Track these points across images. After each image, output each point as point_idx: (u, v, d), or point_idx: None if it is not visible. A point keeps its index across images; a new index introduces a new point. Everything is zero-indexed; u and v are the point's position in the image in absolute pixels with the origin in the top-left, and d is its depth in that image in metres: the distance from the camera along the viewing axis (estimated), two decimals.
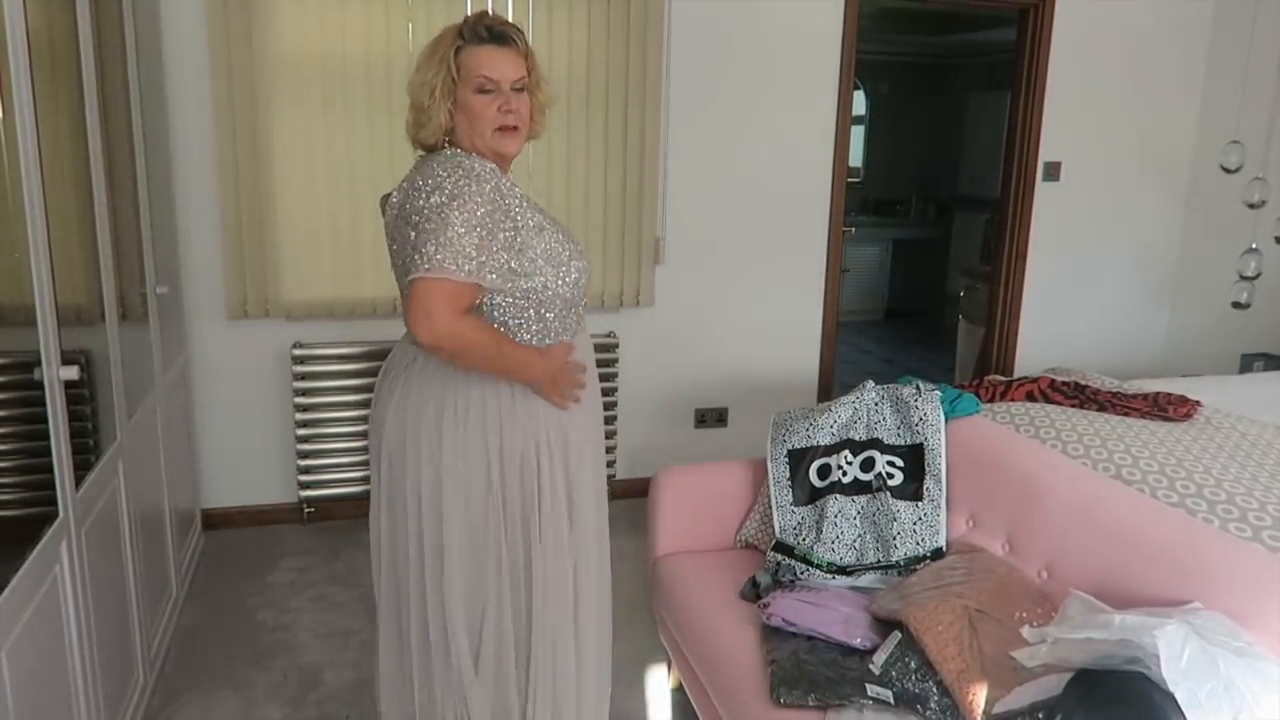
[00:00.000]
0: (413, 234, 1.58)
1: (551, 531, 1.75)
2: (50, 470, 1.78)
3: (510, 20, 1.71)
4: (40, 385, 1.73)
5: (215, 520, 3.45)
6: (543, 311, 1.69)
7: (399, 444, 1.71)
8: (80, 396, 1.97)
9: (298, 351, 3.31)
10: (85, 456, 2.00)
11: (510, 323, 1.68)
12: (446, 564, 1.70)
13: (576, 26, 3.38)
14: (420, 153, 1.75)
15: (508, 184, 1.64)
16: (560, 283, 1.69)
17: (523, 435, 1.70)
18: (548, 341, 1.72)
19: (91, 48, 2.12)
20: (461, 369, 1.66)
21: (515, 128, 1.67)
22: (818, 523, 2.22)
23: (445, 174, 1.58)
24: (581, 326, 1.82)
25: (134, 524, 2.31)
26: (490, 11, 1.68)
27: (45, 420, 1.74)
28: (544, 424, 1.72)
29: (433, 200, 1.55)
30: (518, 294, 1.65)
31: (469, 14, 1.68)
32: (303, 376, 3.32)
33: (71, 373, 1.77)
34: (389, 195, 1.74)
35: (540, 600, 1.76)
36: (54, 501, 1.79)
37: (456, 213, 1.53)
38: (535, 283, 1.65)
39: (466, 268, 1.53)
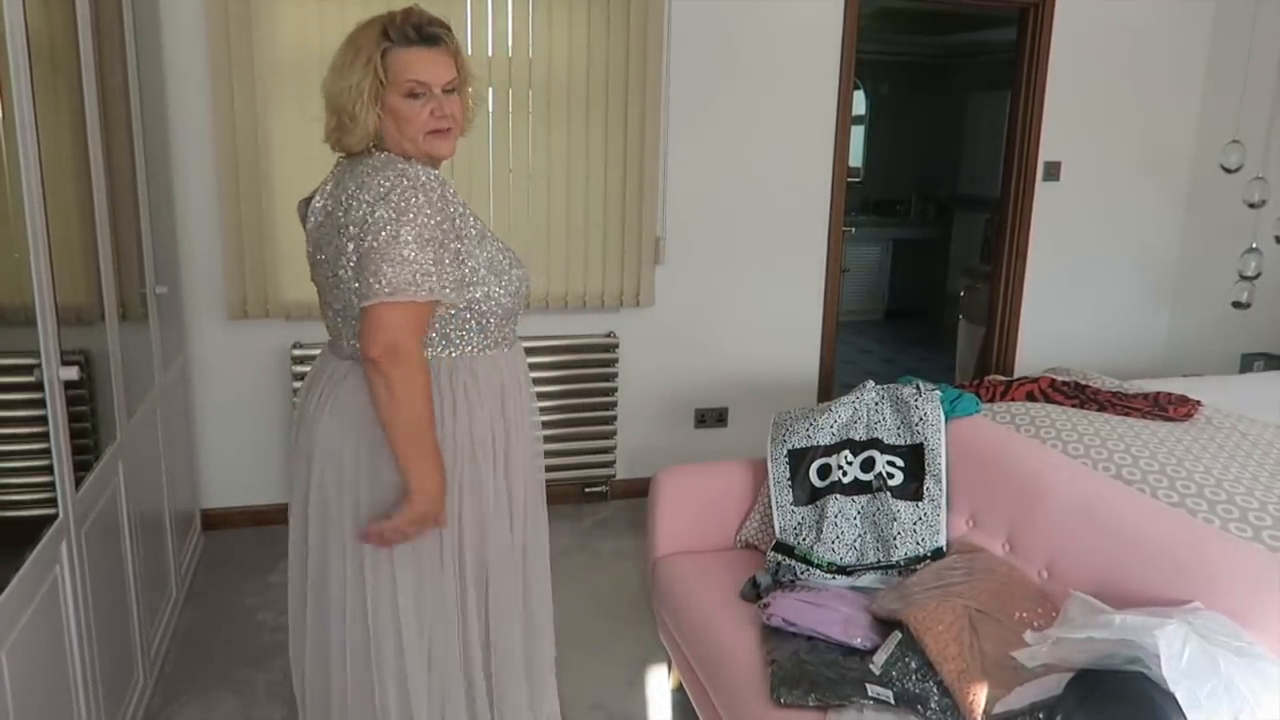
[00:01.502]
0: (351, 246, 1.52)
1: (495, 535, 1.72)
2: (50, 470, 1.78)
3: (442, 19, 1.62)
4: (40, 385, 1.73)
5: (215, 520, 3.45)
6: (484, 321, 1.65)
7: (334, 458, 1.64)
8: (80, 397, 1.97)
9: (297, 351, 3.30)
10: (85, 457, 2.00)
11: (451, 334, 1.63)
12: (398, 579, 1.64)
13: (576, 26, 3.38)
14: (340, 155, 1.66)
15: (451, 191, 1.58)
16: (502, 292, 1.65)
17: (466, 441, 1.65)
18: (489, 351, 1.68)
19: (91, 47, 2.12)
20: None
21: (448, 130, 1.61)
22: (818, 523, 2.22)
23: (388, 184, 1.50)
24: (515, 338, 1.77)
25: (134, 524, 2.31)
26: (416, 7, 1.59)
27: (45, 420, 1.74)
28: (485, 430, 1.67)
29: (377, 214, 1.48)
30: (459, 304, 1.60)
31: (395, 11, 1.58)
32: (302, 377, 3.31)
33: (71, 373, 1.77)
34: (309, 200, 1.68)
35: (492, 602, 1.73)
36: (54, 502, 1.79)
37: (408, 229, 1.47)
38: (478, 293, 1.61)
39: (427, 285, 1.49)
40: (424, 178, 1.53)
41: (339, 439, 1.64)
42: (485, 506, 1.70)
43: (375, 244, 1.47)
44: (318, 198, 1.65)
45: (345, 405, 1.63)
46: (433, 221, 1.51)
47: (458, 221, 1.57)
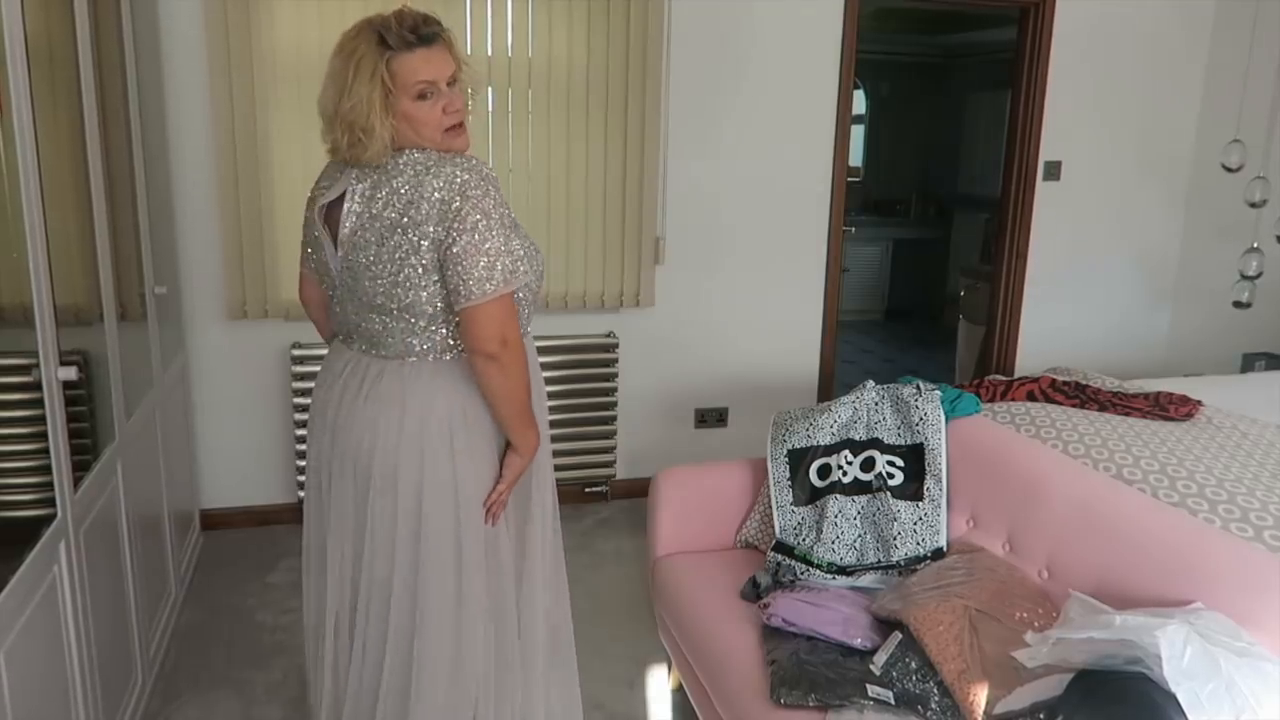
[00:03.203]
0: (425, 244, 1.54)
1: (526, 530, 1.77)
2: (48, 471, 1.78)
3: (431, 14, 1.61)
4: (38, 385, 1.73)
5: (214, 520, 3.44)
6: (521, 308, 1.69)
7: (391, 455, 1.64)
8: (79, 397, 1.97)
9: (297, 352, 3.30)
10: (83, 457, 1.99)
11: None
12: (464, 578, 1.66)
13: (576, 26, 3.38)
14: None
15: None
16: (534, 279, 1.69)
17: (496, 434, 1.70)
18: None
19: (89, 48, 2.12)
20: (463, 380, 1.64)
21: (461, 124, 1.62)
22: (818, 523, 2.21)
23: (460, 178, 1.53)
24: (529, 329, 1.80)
25: (132, 524, 2.31)
26: (405, 8, 1.59)
27: (43, 421, 1.74)
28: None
29: (462, 211, 1.51)
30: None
31: (384, 16, 1.56)
32: (302, 377, 3.31)
33: (70, 373, 1.77)
34: (330, 201, 1.65)
35: (522, 596, 1.77)
36: (52, 502, 1.79)
37: (495, 222, 1.54)
38: (519, 281, 1.64)
39: (520, 269, 1.59)
40: (486, 169, 1.58)
41: (395, 437, 1.63)
42: (523, 499, 1.75)
43: (472, 241, 1.52)
44: (350, 201, 1.62)
45: (399, 402, 1.64)
46: (505, 211, 1.59)
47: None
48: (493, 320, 1.55)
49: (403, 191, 1.56)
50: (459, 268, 1.53)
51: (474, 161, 1.58)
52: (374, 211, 1.59)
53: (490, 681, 1.73)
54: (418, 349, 1.64)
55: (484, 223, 1.53)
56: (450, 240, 1.53)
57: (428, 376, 1.65)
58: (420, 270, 1.57)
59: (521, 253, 1.60)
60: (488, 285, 1.53)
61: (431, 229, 1.54)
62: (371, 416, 1.65)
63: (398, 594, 1.67)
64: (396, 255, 1.57)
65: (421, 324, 1.62)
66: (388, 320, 1.64)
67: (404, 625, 1.68)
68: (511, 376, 1.60)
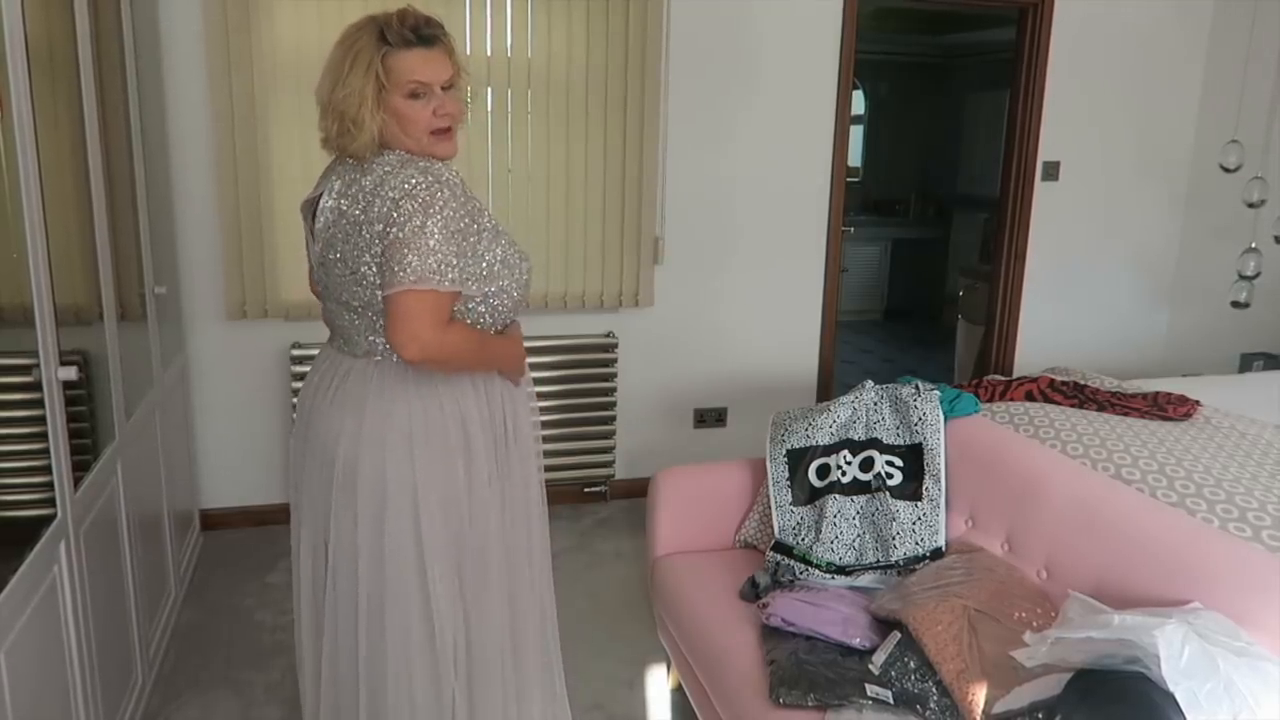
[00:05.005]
0: (378, 244, 1.54)
1: (506, 531, 1.76)
2: (48, 471, 1.78)
3: (435, 17, 1.63)
4: (38, 385, 1.73)
5: (214, 520, 3.45)
6: (496, 315, 1.69)
7: (352, 454, 1.64)
8: (78, 397, 1.97)
9: (296, 352, 3.30)
10: (83, 457, 2.00)
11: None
12: (429, 572, 1.65)
13: (576, 26, 3.38)
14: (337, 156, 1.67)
15: (469, 190, 1.62)
16: (513, 284, 1.69)
17: (477, 433, 1.69)
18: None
19: (90, 49, 2.12)
20: (425, 382, 1.63)
21: (449, 130, 1.62)
22: (817, 523, 2.22)
23: (413, 181, 1.52)
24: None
25: (132, 524, 2.31)
26: (410, 7, 1.61)
27: (43, 421, 1.74)
28: (498, 423, 1.72)
29: (404, 207, 1.51)
30: (477, 299, 1.64)
31: (389, 14, 1.58)
32: (301, 377, 3.30)
33: (70, 373, 1.77)
34: (314, 200, 1.68)
35: (511, 592, 1.76)
36: (52, 502, 1.79)
37: (434, 221, 1.51)
38: (493, 286, 1.64)
39: (450, 276, 1.53)
40: (447, 174, 1.56)
41: (356, 438, 1.64)
42: (506, 500, 1.73)
43: (401, 235, 1.50)
44: (326, 197, 1.65)
45: (360, 402, 1.64)
46: (457, 215, 1.54)
47: (476, 217, 1.61)
48: (404, 312, 1.49)
49: (368, 190, 1.57)
50: (386, 257, 1.52)
51: (437, 166, 1.57)
52: (342, 208, 1.61)
53: (449, 683, 1.70)
54: (381, 347, 1.64)
55: (419, 218, 1.50)
56: (388, 234, 1.52)
57: (391, 378, 1.64)
58: (374, 269, 1.57)
59: (455, 261, 1.53)
60: (401, 275, 1.48)
61: (379, 227, 1.54)
62: (337, 415, 1.66)
63: (364, 609, 1.66)
64: (354, 252, 1.59)
65: (380, 323, 1.61)
66: (353, 317, 1.65)
67: (375, 644, 1.68)
68: (450, 368, 1.62)
